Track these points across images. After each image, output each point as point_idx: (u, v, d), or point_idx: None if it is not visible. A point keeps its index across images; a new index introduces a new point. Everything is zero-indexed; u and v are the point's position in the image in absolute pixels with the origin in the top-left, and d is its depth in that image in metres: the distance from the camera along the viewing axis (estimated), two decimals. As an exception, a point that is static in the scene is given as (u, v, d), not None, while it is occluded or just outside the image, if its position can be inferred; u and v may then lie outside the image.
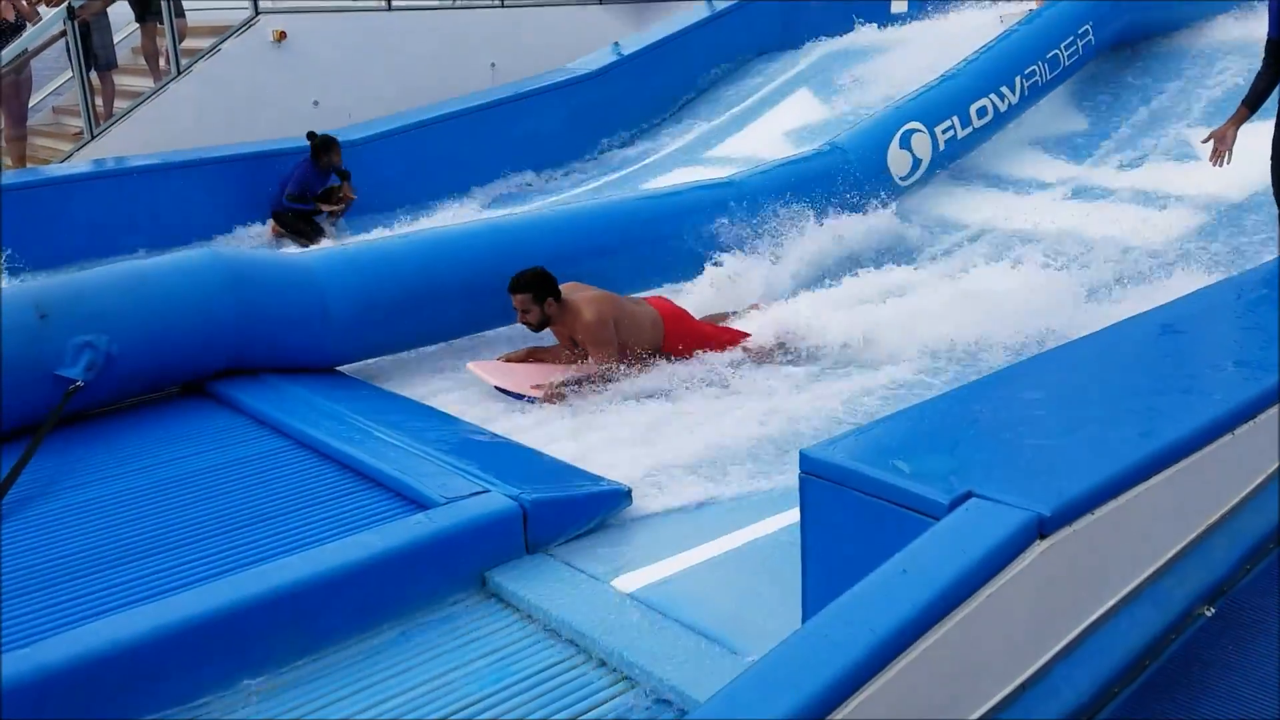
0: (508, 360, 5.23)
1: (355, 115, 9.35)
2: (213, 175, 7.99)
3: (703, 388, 4.93)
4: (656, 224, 6.15)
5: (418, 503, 3.45)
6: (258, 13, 9.22)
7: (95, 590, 3.12)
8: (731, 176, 6.73)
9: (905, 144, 7.14)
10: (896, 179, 7.08)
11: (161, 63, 9.51)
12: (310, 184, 7.97)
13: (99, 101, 9.15)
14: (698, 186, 6.63)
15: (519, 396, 4.89)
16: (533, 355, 5.26)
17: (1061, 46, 7.80)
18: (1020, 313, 5.18)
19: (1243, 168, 4.99)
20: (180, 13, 9.19)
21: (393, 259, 5.29)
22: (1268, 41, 4.61)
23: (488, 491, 3.36)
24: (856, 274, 6.10)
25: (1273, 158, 4.72)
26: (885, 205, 6.84)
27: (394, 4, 10.22)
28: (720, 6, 11.29)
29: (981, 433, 2.53)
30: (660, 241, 6.08)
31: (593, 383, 4.93)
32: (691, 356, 5.14)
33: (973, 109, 7.40)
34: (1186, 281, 5.18)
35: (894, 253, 6.66)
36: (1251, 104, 4.74)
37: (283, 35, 9.24)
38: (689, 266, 6.05)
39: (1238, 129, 4.75)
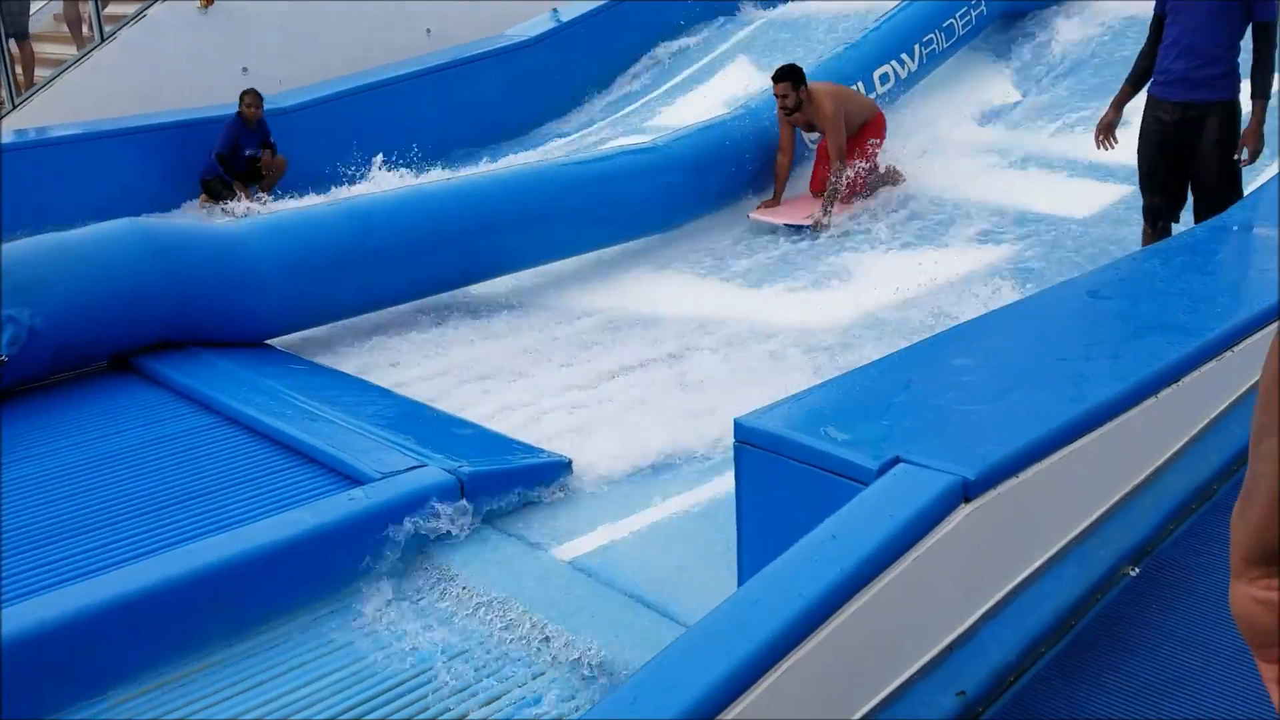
0: (768, 206, 6.79)
1: (286, 82, 9.12)
2: (141, 144, 7.76)
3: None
4: (586, 189, 6.15)
5: (353, 478, 3.40)
6: (184, -23, 8.95)
7: (21, 570, 3.05)
8: (655, 141, 6.80)
9: None
10: (807, 141, 7.23)
11: (85, 30, 9.20)
12: (239, 140, 7.73)
13: (19, 71, 8.84)
14: (625, 151, 6.72)
15: (799, 227, 6.47)
16: (782, 201, 6.84)
17: (956, 16, 8.23)
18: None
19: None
20: (104, -23, 8.90)
21: (324, 227, 5.20)
22: (1153, 17, 4.53)
23: (425, 465, 3.33)
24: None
25: (1139, 150, 4.64)
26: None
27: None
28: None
29: (911, 399, 2.55)
30: (590, 207, 6.12)
31: (833, 206, 6.52)
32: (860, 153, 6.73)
33: (875, 75, 7.74)
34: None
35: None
36: (1134, 82, 4.65)
37: (210, 1, 8.99)
38: (621, 229, 6.24)
39: (1121, 110, 4.65)
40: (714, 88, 9.78)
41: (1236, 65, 4.40)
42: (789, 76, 6.63)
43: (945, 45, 8.20)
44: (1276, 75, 4.42)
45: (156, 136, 7.82)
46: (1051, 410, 2.29)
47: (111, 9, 9.03)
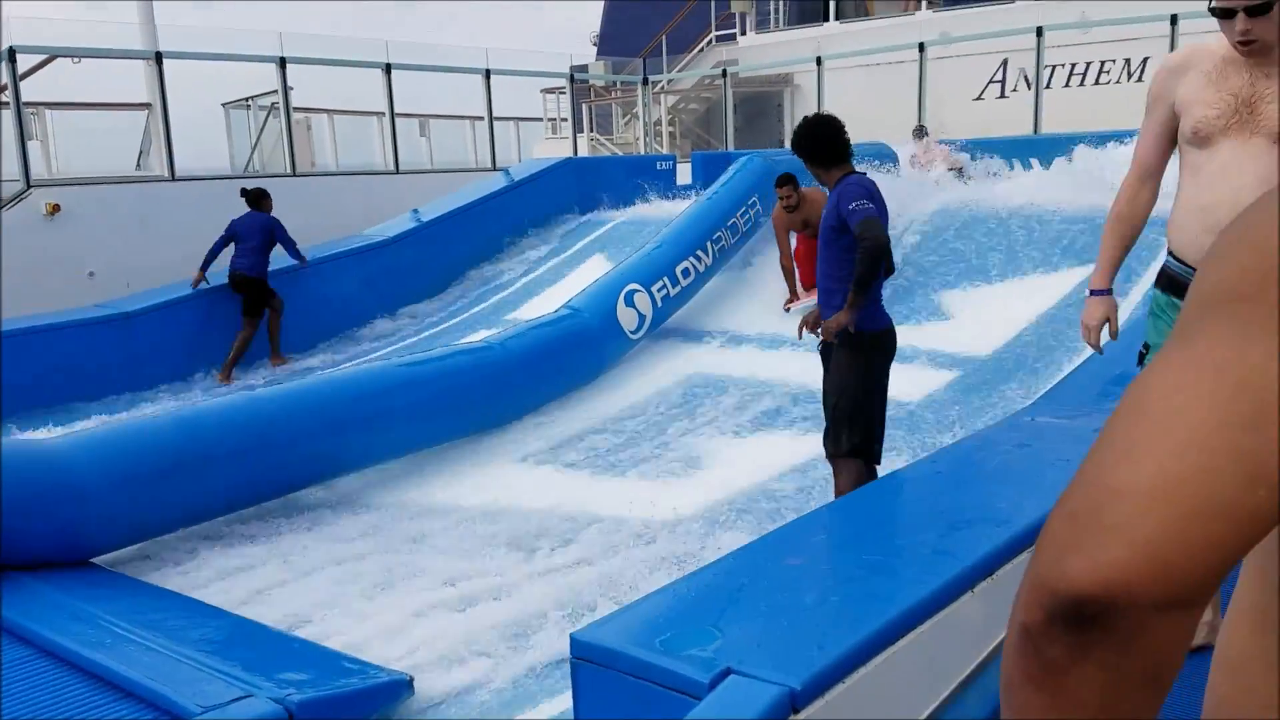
0: (793, 301, 8.33)
1: (134, 284, 9.00)
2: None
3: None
4: (421, 387, 6.28)
5: (174, 714, 3.17)
6: (29, 186, 8.85)
7: None
8: (489, 340, 7.11)
9: (630, 302, 7.96)
10: (628, 333, 7.80)
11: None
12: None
13: None
14: (459, 351, 6.95)
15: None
16: (798, 293, 8.38)
17: (738, 215, 9.23)
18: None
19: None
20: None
21: (151, 437, 5.06)
22: None
23: (250, 696, 3.13)
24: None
25: None
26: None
27: (178, 175, 10.04)
28: (518, 177, 11.67)
29: (745, 603, 2.56)
30: (426, 405, 6.24)
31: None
32: None
33: (678, 270, 8.49)
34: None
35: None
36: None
37: (56, 208, 8.89)
38: (458, 424, 6.41)
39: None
40: (572, 280, 10.09)
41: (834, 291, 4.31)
42: (790, 180, 8.02)
43: (732, 241, 9.16)
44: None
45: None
46: (871, 611, 2.33)
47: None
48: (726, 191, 9.57)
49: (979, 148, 11.33)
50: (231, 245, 8.64)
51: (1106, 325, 2.93)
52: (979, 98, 14.53)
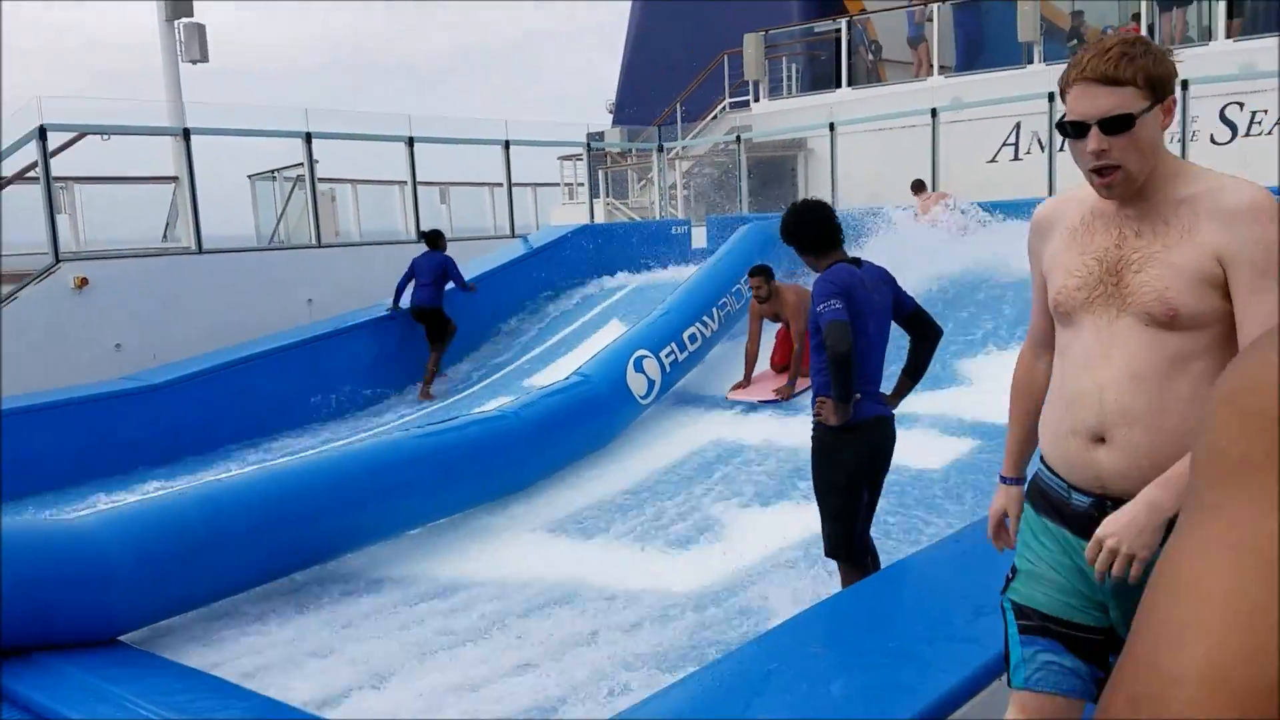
0: (740, 387, 8.44)
1: (161, 356, 9.13)
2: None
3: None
4: (435, 459, 6.31)
5: (200, 799, 3.17)
6: (58, 260, 9.03)
7: None
8: (503, 408, 7.16)
9: (639, 368, 8.05)
10: (639, 399, 7.87)
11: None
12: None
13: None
14: (473, 421, 6.98)
15: (770, 401, 8.08)
16: (752, 380, 8.46)
17: (742, 282, 9.25)
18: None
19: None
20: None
21: (175, 514, 5.10)
22: None
23: (277, 782, 3.13)
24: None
25: None
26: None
27: (205, 248, 10.22)
28: (537, 244, 11.83)
29: (772, 693, 2.56)
30: (442, 475, 6.28)
31: (794, 384, 8.05)
32: None
33: (685, 335, 8.65)
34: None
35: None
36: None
37: (84, 282, 9.06)
38: (474, 494, 6.45)
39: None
40: (589, 346, 10.16)
41: (824, 383, 4.20)
42: (762, 272, 8.08)
43: (737, 307, 9.40)
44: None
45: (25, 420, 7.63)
46: (900, 704, 2.33)
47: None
48: (730, 259, 9.90)
49: (995, 210, 11.42)
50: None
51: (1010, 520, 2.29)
52: (993, 160, 14.66)
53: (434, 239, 10.31)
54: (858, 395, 4.08)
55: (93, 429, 7.71)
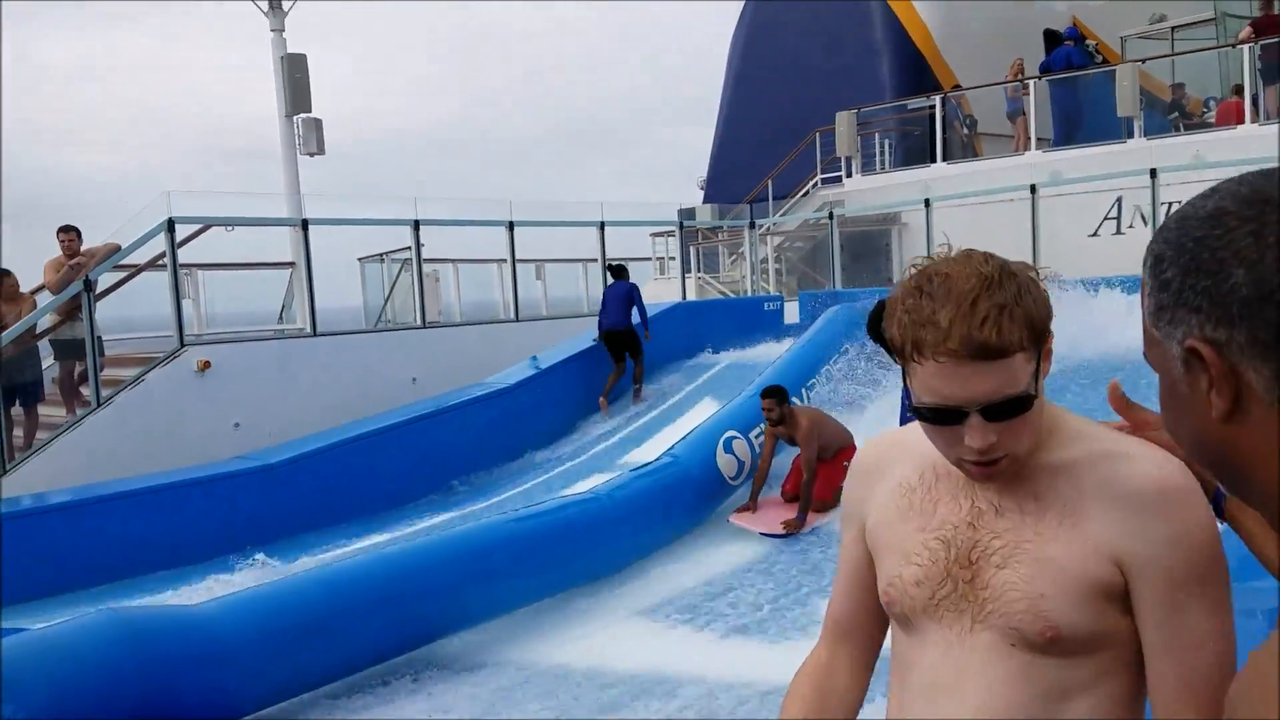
0: (744, 511, 7.70)
1: (276, 436, 9.53)
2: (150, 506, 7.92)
3: None
4: (530, 542, 6.47)
5: None
6: (183, 344, 9.55)
7: None
8: (595, 490, 7.29)
9: (729, 449, 8.10)
10: (728, 479, 7.96)
11: (84, 391, 9.65)
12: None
13: (18, 433, 9.13)
14: (567, 503, 7.12)
15: (775, 535, 7.32)
16: (757, 504, 7.73)
17: (830, 362, 9.67)
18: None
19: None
20: (101, 351, 9.37)
21: (292, 597, 5.40)
22: None
23: None
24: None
25: None
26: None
27: (319, 331, 10.69)
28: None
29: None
30: (536, 557, 6.44)
31: (805, 518, 7.33)
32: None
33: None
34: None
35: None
36: None
37: (207, 365, 9.55)
38: (570, 575, 6.58)
39: None
40: (682, 425, 10.26)
41: None
42: (775, 394, 7.77)
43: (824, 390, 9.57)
44: None
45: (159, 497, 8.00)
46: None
47: (109, 373, 9.53)
48: (817, 341, 10.18)
49: (1100, 285, 11.22)
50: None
51: None
52: (1094, 234, 14.46)
53: (618, 271, 11.55)
54: None
55: (215, 507, 8.07)
